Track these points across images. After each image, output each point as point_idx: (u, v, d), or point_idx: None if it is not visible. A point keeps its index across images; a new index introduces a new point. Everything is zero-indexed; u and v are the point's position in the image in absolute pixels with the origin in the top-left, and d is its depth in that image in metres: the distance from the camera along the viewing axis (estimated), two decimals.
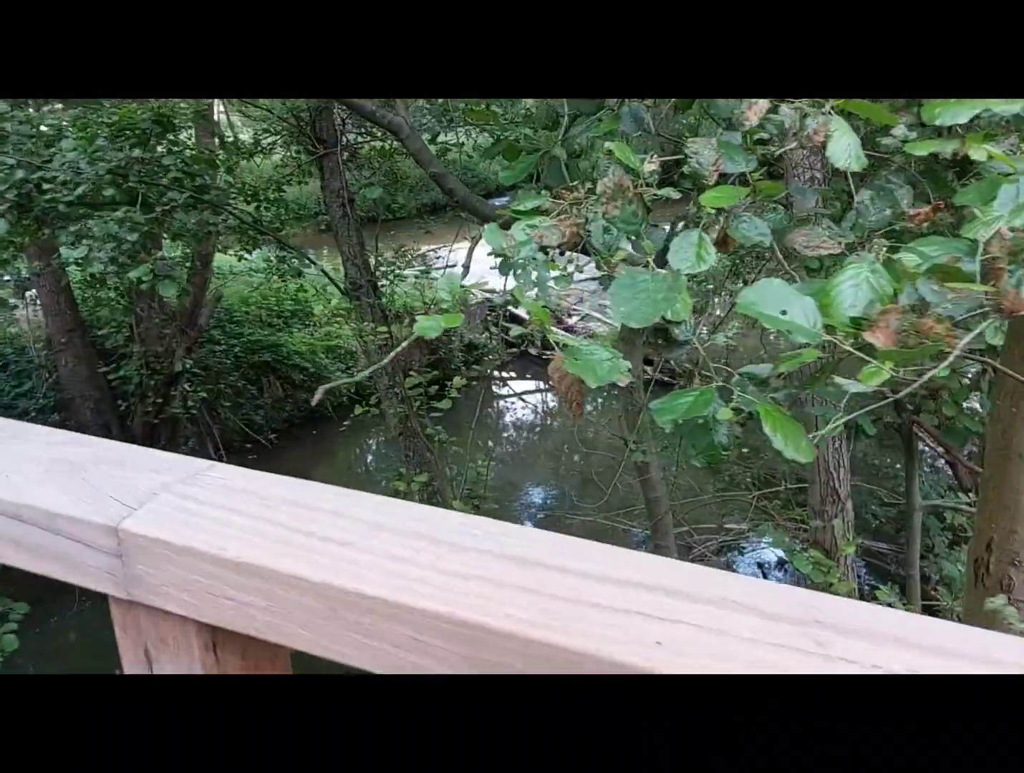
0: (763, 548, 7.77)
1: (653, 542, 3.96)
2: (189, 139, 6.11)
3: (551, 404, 13.73)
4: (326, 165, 5.60)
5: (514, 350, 15.19)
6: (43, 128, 5.47)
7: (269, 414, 11.69)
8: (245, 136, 6.26)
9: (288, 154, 6.24)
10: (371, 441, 12.47)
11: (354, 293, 5.59)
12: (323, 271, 5.53)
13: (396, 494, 5.90)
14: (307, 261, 5.57)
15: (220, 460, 9.72)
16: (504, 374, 14.92)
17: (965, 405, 4.26)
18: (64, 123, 5.61)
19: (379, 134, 6.35)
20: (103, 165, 4.43)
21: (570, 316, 15.65)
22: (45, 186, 4.45)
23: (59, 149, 5.07)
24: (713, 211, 1.25)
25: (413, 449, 5.71)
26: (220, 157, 5.95)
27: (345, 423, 12.43)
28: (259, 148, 6.03)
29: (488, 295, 2.47)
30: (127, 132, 5.61)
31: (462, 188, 3.25)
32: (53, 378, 9.37)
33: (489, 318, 15.14)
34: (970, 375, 4.55)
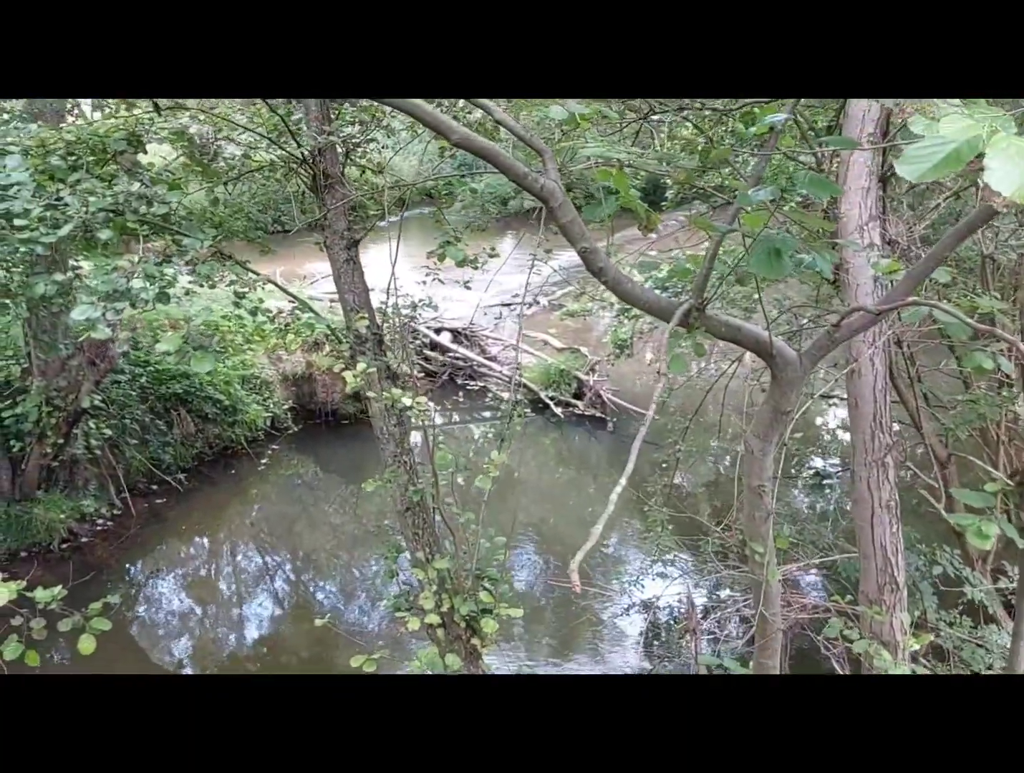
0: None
1: (757, 660, 3.60)
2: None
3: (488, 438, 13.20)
4: (329, 202, 4.93)
5: (433, 377, 14.62)
6: None
7: (178, 452, 10.54)
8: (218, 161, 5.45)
9: (273, 180, 5.51)
10: (294, 481, 11.51)
11: (359, 348, 4.94)
12: (330, 328, 4.84)
13: (392, 576, 5.27)
14: (314, 312, 4.86)
15: (124, 504, 8.71)
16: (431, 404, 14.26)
17: None
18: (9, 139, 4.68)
19: (371, 165, 5.73)
20: (95, 202, 3.60)
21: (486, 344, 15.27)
22: (18, 222, 3.58)
23: (1, 168, 4.17)
24: None
25: (423, 526, 5.09)
26: (189, 181, 5.15)
27: (263, 461, 11.49)
28: (241, 174, 5.25)
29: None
30: (85, 150, 4.73)
31: (614, 268, 2.79)
32: None
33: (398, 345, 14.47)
34: None
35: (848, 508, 8.65)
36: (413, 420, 5.13)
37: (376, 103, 4.80)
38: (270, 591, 9.41)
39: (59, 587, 4.74)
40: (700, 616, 6.56)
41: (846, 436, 11.87)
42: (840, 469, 10.30)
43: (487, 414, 14.23)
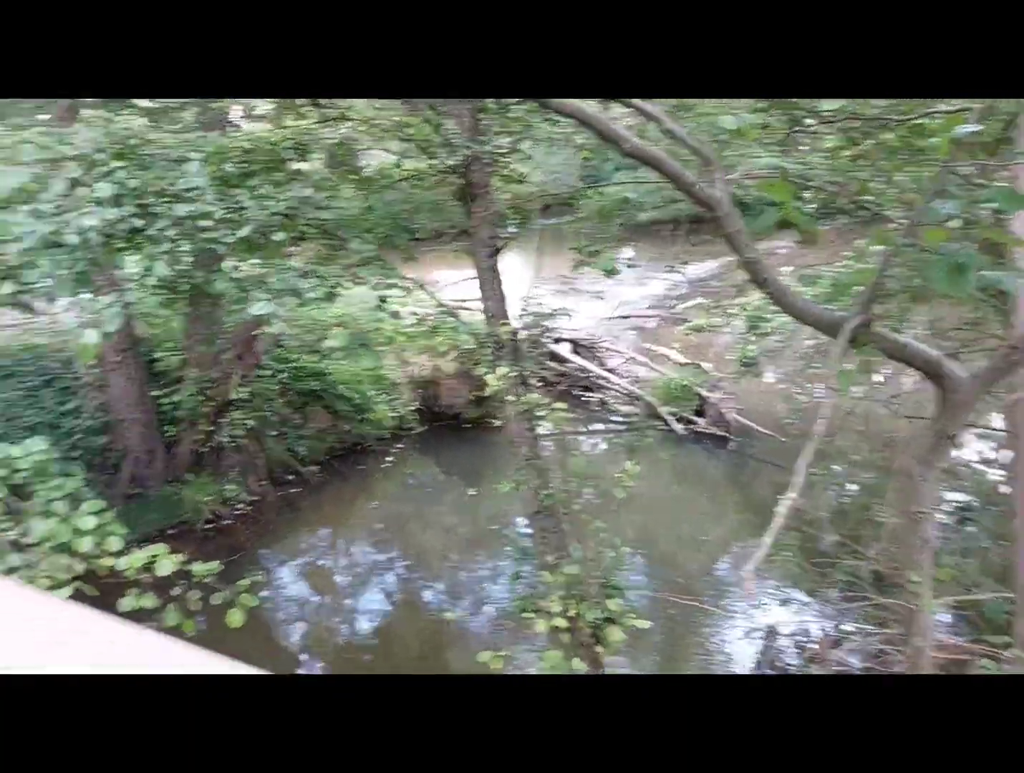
0: None
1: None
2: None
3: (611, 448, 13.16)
4: (475, 212, 5.10)
5: (551, 387, 14.71)
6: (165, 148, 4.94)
7: (312, 445, 11.06)
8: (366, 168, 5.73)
9: (420, 188, 5.75)
10: (416, 481, 11.85)
11: (497, 354, 5.07)
12: (473, 334, 5.00)
13: (517, 578, 5.36)
14: (457, 320, 5.05)
15: (262, 492, 9.14)
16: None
17: None
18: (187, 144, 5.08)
19: (515, 175, 5.87)
20: (272, 206, 3.88)
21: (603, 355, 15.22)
22: (201, 223, 3.90)
23: (183, 172, 4.54)
24: None
25: (552, 530, 5.17)
26: (348, 188, 5.43)
27: (388, 459, 11.90)
28: (393, 181, 5.51)
29: None
30: (257, 157, 5.08)
31: (777, 280, 2.76)
32: (101, 398, 8.70)
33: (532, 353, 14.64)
34: None
35: (988, 545, 8.10)
36: (547, 426, 5.21)
37: (534, 113, 4.92)
38: (384, 586, 9.71)
39: (215, 563, 5.09)
40: (830, 646, 6.31)
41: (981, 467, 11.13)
42: (980, 502, 9.66)
43: (599, 426, 14.17)
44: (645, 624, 4.67)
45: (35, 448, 5.28)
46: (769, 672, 7.06)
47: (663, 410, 13.15)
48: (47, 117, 8.60)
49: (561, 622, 4.68)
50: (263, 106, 7.52)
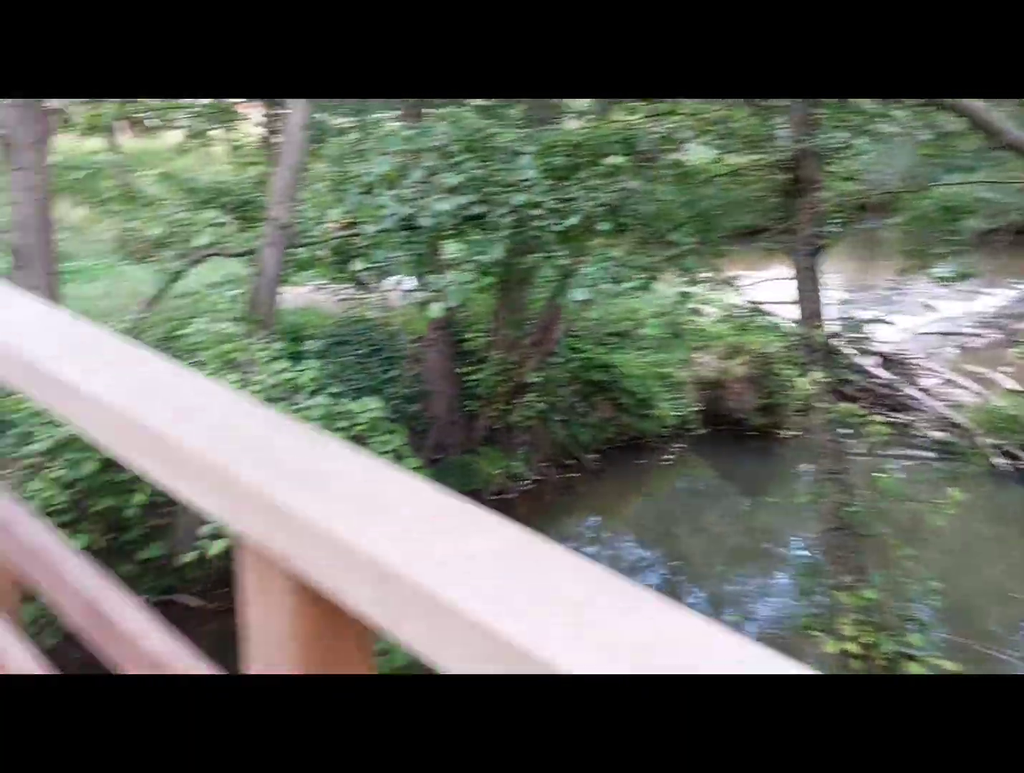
0: None
1: None
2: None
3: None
4: (803, 209, 4.89)
5: (853, 401, 13.66)
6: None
7: (594, 434, 11.37)
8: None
9: (740, 183, 5.65)
10: (683, 484, 11.73)
11: (810, 359, 4.84)
12: (785, 337, 4.84)
13: (805, 595, 5.10)
14: (765, 317, 4.93)
15: (544, 472, 9.43)
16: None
17: None
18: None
19: (845, 173, 5.53)
20: (599, 196, 4.05)
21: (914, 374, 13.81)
22: (532, 212, 4.18)
23: (515, 165, 4.86)
24: None
25: (852, 549, 4.85)
26: (665, 182, 5.48)
27: (667, 458, 11.88)
28: (713, 175, 5.48)
29: None
30: (585, 151, 5.32)
31: None
32: (417, 370, 9.71)
33: (844, 361, 13.62)
34: None
35: None
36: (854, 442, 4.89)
37: (876, 104, 4.62)
38: (646, 585, 9.67)
39: None
40: None
41: None
42: None
43: (905, 450, 12.85)
44: (954, 667, 4.21)
45: (370, 406, 6.04)
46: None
47: (983, 440, 11.66)
48: (398, 113, 9.69)
49: (852, 647, 4.39)
50: (585, 103, 7.80)
